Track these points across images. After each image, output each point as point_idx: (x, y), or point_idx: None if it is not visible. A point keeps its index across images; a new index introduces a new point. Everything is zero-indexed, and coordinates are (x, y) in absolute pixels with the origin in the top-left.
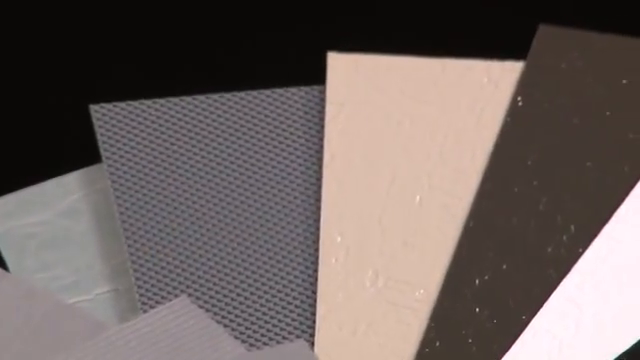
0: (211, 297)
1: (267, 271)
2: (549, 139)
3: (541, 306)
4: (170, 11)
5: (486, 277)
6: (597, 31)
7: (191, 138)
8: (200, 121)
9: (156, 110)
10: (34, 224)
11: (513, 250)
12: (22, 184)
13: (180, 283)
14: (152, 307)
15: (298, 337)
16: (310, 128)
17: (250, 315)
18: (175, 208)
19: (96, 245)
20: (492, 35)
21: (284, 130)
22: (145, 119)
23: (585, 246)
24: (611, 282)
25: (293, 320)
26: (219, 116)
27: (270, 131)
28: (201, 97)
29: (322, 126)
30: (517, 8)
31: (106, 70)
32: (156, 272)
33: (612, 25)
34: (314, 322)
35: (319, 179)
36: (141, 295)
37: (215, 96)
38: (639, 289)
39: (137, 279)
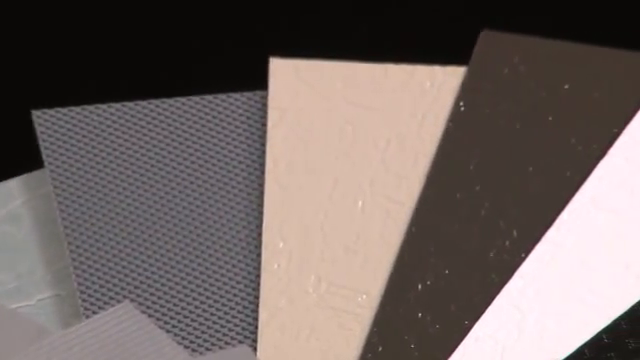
0: (154, 302)
1: (210, 277)
2: (491, 144)
3: (483, 311)
4: (113, 15)
5: (428, 282)
6: (539, 36)
7: (133, 143)
8: (142, 127)
9: (98, 115)
10: None
11: (455, 255)
12: None
13: (123, 289)
14: (95, 313)
15: (241, 342)
16: (252, 134)
17: (193, 320)
18: (117, 214)
19: (38, 250)
20: (434, 40)
21: (226, 136)
22: (87, 124)
23: (527, 251)
24: (553, 287)
25: (236, 325)
26: (161, 121)
27: (212, 137)
28: (143, 103)
29: (264, 131)
30: (459, 13)
31: (48, 75)
32: (99, 277)
33: (554, 30)
34: (257, 327)
35: (261, 185)
36: (84, 300)
37: (157, 101)
38: (581, 294)
39: (79, 284)
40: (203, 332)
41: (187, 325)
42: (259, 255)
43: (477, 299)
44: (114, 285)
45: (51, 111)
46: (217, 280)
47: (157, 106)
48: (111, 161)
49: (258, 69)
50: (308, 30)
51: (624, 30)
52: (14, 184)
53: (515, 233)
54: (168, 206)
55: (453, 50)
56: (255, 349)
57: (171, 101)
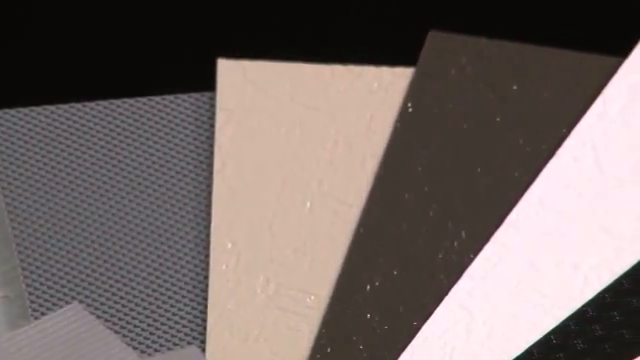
0: (103, 303)
1: (158, 277)
2: (439, 145)
3: (432, 312)
4: (60, 18)
5: (377, 283)
6: (487, 37)
7: (82, 145)
8: (90, 128)
9: (46, 117)
10: None
11: (404, 256)
12: None
13: (71, 290)
14: (43, 314)
15: (190, 343)
16: (200, 135)
17: (142, 321)
18: (66, 215)
19: None
20: (382, 41)
21: (174, 137)
22: (35, 126)
23: (476, 252)
24: (502, 288)
25: (184, 326)
26: (109, 123)
27: (160, 138)
28: (91, 104)
29: (212, 132)
30: (407, 14)
31: None
32: (47, 279)
33: (502, 31)
34: (206, 328)
35: (210, 186)
36: (32, 302)
37: (105, 103)
38: (529, 295)
39: (28, 286)
40: (152, 333)
41: (136, 326)
42: (208, 256)
43: (426, 300)
44: (62, 286)
45: None
46: (166, 281)
47: (105, 107)
48: (59, 162)
49: (206, 70)
50: (256, 31)
51: (572, 31)
52: None
53: (463, 234)
54: (116, 207)
55: (401, 51)
56: (204, 350)
57: (119, 102)
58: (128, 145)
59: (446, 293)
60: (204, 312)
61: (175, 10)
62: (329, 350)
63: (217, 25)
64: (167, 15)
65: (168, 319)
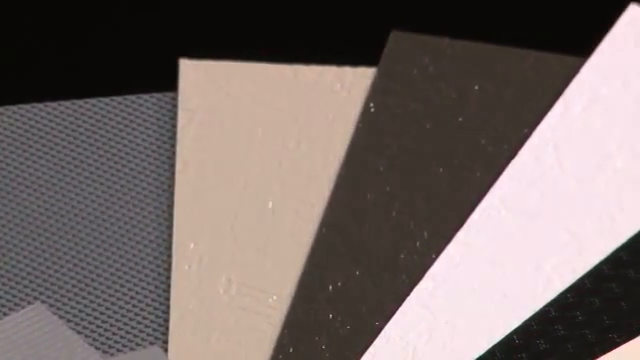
0: (65, 304)
1: (121, 277)
2: (401, 145)
3: (394, 312)
4: (23, 14)
5: (339, 283)
6: (449, 37)
7: (44, 145)
8: (52, 128)
9: (9, 117)
10: None
11: (366, 256)
12: None
13: (34, 290)
14: (5, 314)
15: (152, 343)
16: (162, 135)
17: (104, 322)
18: (27, 215)
19: None
20: (344, 41)
21: (136, 137)
22: None
23: (438, 252)
24: (464, 288)
25: (147, 326)
26: (71, 123)
27: (122, 138)
28: (53, 104)
29: (175, 133)
30: (369, 14)
31: None
32: (9, 279)
33: (464, 31)
34: (168, 328)
35: (172, 186)
36: None
37: (67, 103)
38: (492, 295)
39: None
40: (114, 333)
41: (98, 326)
42: (170, 256)
43: (388, 300)
44: (24, 287)
45: None
46: (128, 281)
47: (67, 107)
48: (21, 163)
49: (168, 70)
50: (218, 32)
51: (533, 31)
52: None
53: (425, 234)
54: (79, 207)
55: (363, 51)
56: (166, 350)
57: (81, 102)
58: (90, 145)
59: (408, 293)
60: (166, 312)
61: (137, 10)
62: (291, 350)
63: (179, 25)
64: (129, 15)
65: (131, 319)
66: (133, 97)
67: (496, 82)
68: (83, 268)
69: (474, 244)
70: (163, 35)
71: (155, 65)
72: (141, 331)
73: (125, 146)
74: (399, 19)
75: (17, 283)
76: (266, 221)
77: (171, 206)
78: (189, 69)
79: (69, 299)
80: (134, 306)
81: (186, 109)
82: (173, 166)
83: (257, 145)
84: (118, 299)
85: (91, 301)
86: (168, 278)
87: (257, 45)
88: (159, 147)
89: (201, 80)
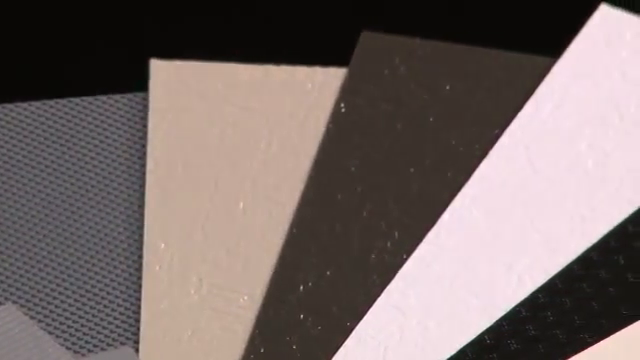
0: (36, 304)
1: (92, 278)
2: (372, 145)
3: (365, 312)
4: None
5: (310, 283)
6: (420, 37)
7: (14, 145)
8: (23, 128)
9: None
10: None
11: (337, 256)
12: None
13: (5, 290)
14: None
15: (123, 344)
16: (133, 135)
17: (75, 322)
18: None
19: None
20: (315, 41)
21: (107, 137)
22: None
23: (409, 252)
24: (435, 288)
25: (118, 327)
26: (42, 123)
27: (93, 138)
28: (23, 104)
29: (145, 133)
30: (340, 14)
31: None
32: None
33: (435, 31)
34: (139, 329)
35: (143, 186)
36: None
37: (37, 103)
38: (463, 295)
39: None
40: (85, 333)
41: (69, 326)
42: (141, 257)
43: (359, 300)
44: None
45: None
46: (99, 281)
47: (38, 108)
48: None
49: (139, 70)
50: (189, 32)
51: (504, 31)
52: None
53: (396, 234)
54: (49, 207)
55: (334, 51)
56: (137, 350)
57: (52, 103)
58: (61, 145)
59: (379, 293)
60: (138, 312)
61: (108, 10)
62: (262, 350)
63: (150, 25)
64: (99, 15)
65: (102, 319)
66: (104, 97)
67: (467, 82)
68: (54, 268)
69: (445, 244)
70: (134, 35)
71: (126, 65)
72: (112, 331)
73: (96, 146)
74: (370, 19)
75: None
76: (237, 221)
77: (142, 206)
78: (160, 69)
79: (40, 299)
80: (105, 306)
81: (157, 109)
82: (144, 166)
83: (228, 145)
84: (89, 299)
85: (62, 301)
86: (139, 278)
87: (228, 45)
88: (130, 147)
89: (172, 80)
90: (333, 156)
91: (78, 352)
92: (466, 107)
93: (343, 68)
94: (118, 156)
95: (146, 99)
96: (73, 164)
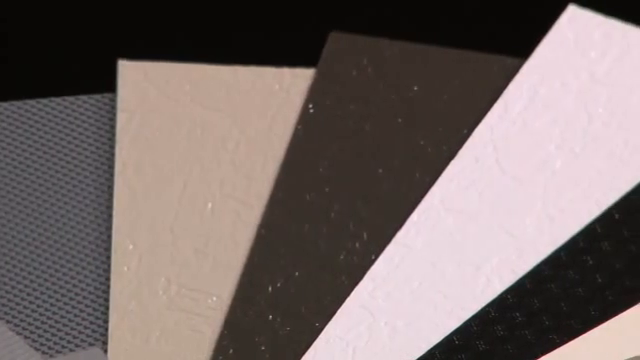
0: (4, 305)
1: (60, 279)
2: (340, 146)
3: (334, 313)
4: None
5: (279, 284)
6: (388, 38)
7: None
8: None
9: None
10: None
11: (306, 257)
12: None
13: None
14: None
15: (92, 345)
16: (102, 136)
17: (44, 323)
18: None
19: None
20: (283, 42)
21: (75, 138)
22: None
23: (377, 253)
24: (403, 289)
25: (86, 328)
26: (10, 124)
27: (61, 139)
28: None
29: (114, 134)
30: (308, 15)
31: None
32: None
33: (403, 32)
34: (108, 330)
35: (111, 187)
36: None
37: (5, 104)
38: (431, 296)
39: None
40: (54, 334)
41: (38, 327)
42: (109, 257)
43: (327, 301)
44: None
45: None
46: (67, 282)
47: (6, 109)
48: None
49: (107, 71)
50: (157, 32)
51: (473, 32)
52: None
53: (365, 235)
54: (18, 209)
55: (302, 52)
56: (106, 351)
57: (20, 104)
58: (29, 146)
59: (348, 294)
60: (106, 313)
61: (75, 11)
62: (231, 351)
63: (118, 26)
64: (67, 16)
65: (70, 320)
66: (72, 98)
67: (435, 83)
68: (23, 269)
69: (413, 245)
70: (102, 36)
71: (94, 66)
72: (81, 332)
73: (64, 147)
74: (338, 20)
75: None
76: (205, 222)
77: (110, 207)
78: (128, 70)
79: (9, 300)
80: (74, 307)
81: (125, 110)
82: (112, 167)
83: (196, 146)
84: (58, 300)
85: (31, 302)
86: (108, 279)
87: (196, 46)
88: (98, 148)
89: (140, 81)
90: (301, 157)
91: (47, 353)
92: (434, 108)
93: (311, 69)
94: (86, 157)
95: (114, 100)
96: (42, 165)
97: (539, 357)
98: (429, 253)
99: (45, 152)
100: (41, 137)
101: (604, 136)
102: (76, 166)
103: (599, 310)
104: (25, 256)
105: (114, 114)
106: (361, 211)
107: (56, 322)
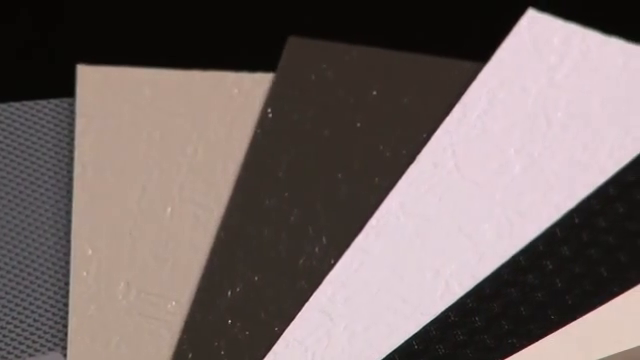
0: None
1: (19, 283)
2: (300, 151)
3: (293, 317)
4: None
5: (238, 289)
6: (347, 42)
7: None
8: None
9: None
10: None
11: (265, 262)
12: None
13: None
14: None
15: (51, 349)
16: (61, 141)
17: (3, 327)
18: None
19: None
20: (242, 47)
21: (34, 143)
22: None
23: (337, 257)
24: (363, 293)
25: (46, 332)
26: None
27: (20, 144)
28: None
29: (73, 138)
30: (267, 20)
31: None
32: None
33: (362, 36)
34: (67, 334)
35: (70, 192)
36: None
37: None
38: (391, 300)
39: None
40: (13, 339)
41: None
42: (69, 262)
43: (287, 305)
44: None
45: None
46: (27, 287)
47: None
48: None
49: (66, 76)
50: (116, 37)
51: (431, 36)
52: None
53: (324, 239)
54: None
55: (260, 56)
56: (65, 355)
57: None
58: None
59: (307, 298)
60: (66, 318)
61: (36, 15)
62: (190, 356)
63: (76, 31)
64: (26, 20)
65: (30, 325)
66: (31, 103)
67: (394, 87)
68: None
69: (373, 249)
70: (61, 41)
71: (53, 71)
72: (40, 337)
73: (23, 152)
74: (297, 25)
75: None
76: (164, 226)
77: (69, 212)
78: (87, 75)
79: None
80: (33, 312)
81: (84, 115)
82: (71, 172)
83: (155, 150)
84: (17, 305)
85: None
86: (67, 284)
87: (154, 51)
88: (57, 153)
89: (99, 86)
90: (261, 161)
91: (6, 358)
92: (393, 112)
93: (270, 74)
94: (45, 162)
95: (73, 104)
96: (0, 170)
97: None
98: (388, 257)
99: (4, 157)
100: (0, 142)
101: (563, 140)
102: (35, 171)
103: (558, 314)
104: None
105: (73, 119)
106: (320, 215)
107: (15, 327)
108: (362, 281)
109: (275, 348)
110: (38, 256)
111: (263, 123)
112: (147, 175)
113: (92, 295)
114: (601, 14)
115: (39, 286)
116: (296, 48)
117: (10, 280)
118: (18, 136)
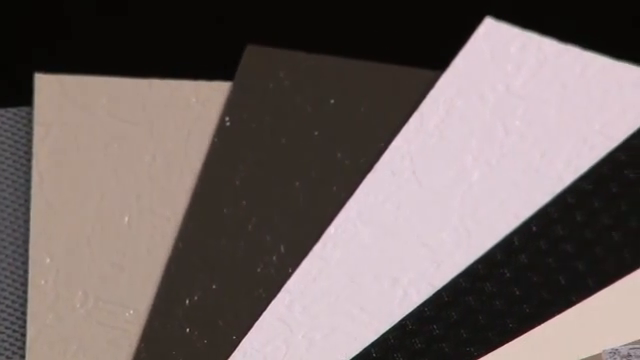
0: None
1: None
2: (257, 159)
3: (251, 326)
4: None
5: (196, 297)
6: (304, 51)
7: None
8: None
9: None
10: None
11: (223, 270)
12: None
13: None
14: None
15: (10, 358)
16: (18, 149)
17: None
18: None
19: None
20: (199, 55)
21: None
22: None
23: (294, 266)
24: (321, 302)
25: (4, 341)
26: None
27: None
28: None
29: (31, 147)
30: (225, 28)
31: None
32: None
33: (320, 44)
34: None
35: (28, 200)
36: None
37: None
38: (349, 309)
39: None
40: None
41: None
42: (27, 271)
43: (245, 314)
44: None
45: None
46: None
47: None
48: None
49: (23, 85)
50: (73, 46)
51: (389, 44)
52: None
53: (282, 248)
54: None
55: (218, 65)
56: None
57: None
58: None
59: (265, 307)
60: (24, 327)
61: None
62: None
63: (34, 39)
64: None
65: None
66: None
67: (352, 96)
68: None
69: (330, 258)
70: (18, 50)
71: (10, 80)
72: None
73: None
74: (254, 33)
75: None
76: (122, 235)
77: (28, 220)
78: (44, 83)
79: None
80: None
81: (41, 123)
82: (29, 181)
83: (113, 159)
84: None
85: None
86: (25, 292)
87: (112, 59)
88: (15, 162)
89: (56, 94)
90: (218, 170)
91: None
92: (351, 121)
93: (228, 82)
94: (3, 170)
95: (30, 113)
96: None
97: None
98: (346, 266)
99: None
100: None
101: (521, 148)
102: None
103: (516, 322)
104: None
105: (31, 127)
106: (278, 224)
107: None
108: (320, 289)
109: (233, 357)
110: None
111: (221, 132)
112: (105, 184)
113: (50, 303)
114: (558, 22)
115: None
116: (254, 56)
117: None
118: None
